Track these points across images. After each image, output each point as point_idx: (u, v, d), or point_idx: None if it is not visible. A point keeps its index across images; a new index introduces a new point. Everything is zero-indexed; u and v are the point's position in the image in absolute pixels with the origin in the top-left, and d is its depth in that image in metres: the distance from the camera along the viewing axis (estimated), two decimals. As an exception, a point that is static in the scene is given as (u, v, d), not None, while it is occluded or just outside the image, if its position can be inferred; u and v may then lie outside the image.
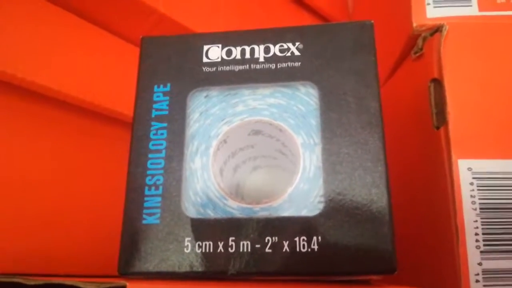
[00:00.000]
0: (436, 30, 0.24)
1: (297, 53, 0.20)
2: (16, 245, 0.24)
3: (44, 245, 0.26)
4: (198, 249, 0.17)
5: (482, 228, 0.21)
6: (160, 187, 0.18)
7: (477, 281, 0.21)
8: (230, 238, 0.17)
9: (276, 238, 0.17)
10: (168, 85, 0.20)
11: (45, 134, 0.26)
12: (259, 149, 0.23)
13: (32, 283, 0.17)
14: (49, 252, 0.26)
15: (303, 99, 0.20)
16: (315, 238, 0.17)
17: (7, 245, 0.24)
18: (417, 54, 0.26)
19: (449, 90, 0.23)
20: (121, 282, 0.17)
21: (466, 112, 0.23)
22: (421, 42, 0.25)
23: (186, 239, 0.18)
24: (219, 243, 0.17)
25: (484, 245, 0.21)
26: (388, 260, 0.17)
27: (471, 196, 0.22)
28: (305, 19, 0.40)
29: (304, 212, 0.18)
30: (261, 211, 0.18)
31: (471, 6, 0.25)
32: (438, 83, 0.24)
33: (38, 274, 0.22)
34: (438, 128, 0.23)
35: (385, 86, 0.31)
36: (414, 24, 0.25)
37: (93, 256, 0.26)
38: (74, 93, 0.25)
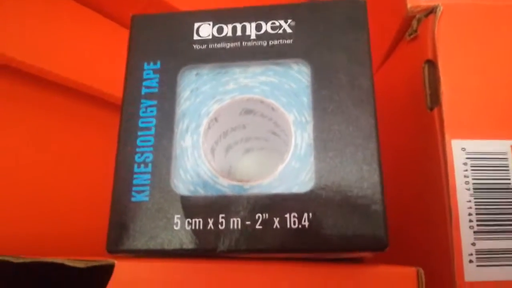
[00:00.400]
0: (431, 11, 0.24)
1: (289, 30, 0.20)
2: (8, 229, 0.24)
3: (37, 229, 0.26)
4: (188, 226, 0.17)
5: (476, 209, 0.21)
6: (150, 165, 0.18)
7: (470, 261, 0.21)
8: (220, 215, 0.17)
9: (267, 215, 0.17)
10: (158, 62, 0.20)
11: (35, 116, 0.26)
12: (251, 130, 0.23)
13: (20, 261, 0.17)
14: (40, 236, 0.26)
15: (295, 77, 0.19)
16: (305, 214, 0.17)
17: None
18: (412, 36, 0.26)
19: (443, 71, 0.23)
20: (110, 260, 0.17)
21: (459, 93, 0.23)
22: (416, 24, 0.25)
23: (176, 216, 0.17)
24: (209, 220, 0.17)
25: (478, 225, 0.21)
26: (379, 237, 0.17)
27: (465, 176, 0.22)
28: None
29: (295, 190, 0.18)
30: (251, 189, 0.18)
31: (465, -13, 0.25)
32: (432, 64, 0.24)
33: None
34: (432, 109, 0.23)
35: (381, 68, 0.31)
36: (409, 6, 0.25)
37: (85, 237, 0.26)
38: (64, 74, 0.25)
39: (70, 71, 0.26)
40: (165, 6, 0.28)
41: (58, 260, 0.17)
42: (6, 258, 0.17)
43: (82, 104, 0.28)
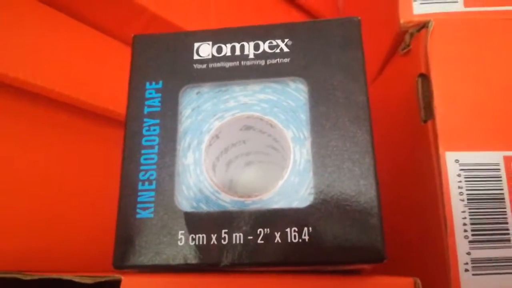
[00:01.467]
0: (423, 26, 0.25)
1: (286, 49, 0.20)
2: (13, 243, 0.25)
3: (41, 243, 0.26)
4: (192, 242, 0.18)
5: (470, 219, 0.22)
6: (154, 182, 0.19)
7: (466, 270, 0.21)
8: (223, 231, 0.18)
9: (268, 229, 0.18)
10: (160, 82, 0.20)
11: (40, 133, 0.26)
12: (251, 145, 0.23)
13: (28, 278, 0.18)
14: (47, 251, 0.26)
15: (293, 94, 0.20)
16: (306, 229, 0.18)
17: (4, 244, 0.24)
18: (405, 50, 0.26)
19: (435, 84, 0.23)
20: (116, 275, 0.17)
21: (452, 105, 0.23)
22: (409, 38, 0.26)
23: (180, 232, 0.18)
24: (212, 235, 0.18)
25: (472, 234, 0.22)
26: (377, 250, 0.17)
27: (459, 187, 0.22)
28: (295, 17, 0.41)
29: (295, 204, 0.18)
30: (253, 204, 0.19)
31: (457, 2, 0.25)
32: (425, 78, 0.24)
33: (33, 270, 0.22)
34: (425, 121, 0.24)
35: (375, 83, 0.32)
36: (401, 21, 0.25)
37: (90, 253, 0.26)
38: (67, 92, 0.26)
39: (70, 88, 0.26)
40: (166, 24, 0.29)
41: (66, 276, 0.17)
42: (14, 275, 0.18)
43: (86, 121, 0.29)
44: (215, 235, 0.18)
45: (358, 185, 0.18)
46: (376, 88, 0.31)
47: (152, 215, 0.18)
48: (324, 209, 0.18)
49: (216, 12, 0.32)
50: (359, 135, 0.19)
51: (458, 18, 0.25)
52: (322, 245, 0.17)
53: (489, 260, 0.21)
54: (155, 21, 0.29)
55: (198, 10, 0.31)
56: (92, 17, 0.28)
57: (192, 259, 0.18)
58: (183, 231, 0.18)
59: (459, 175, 0.22)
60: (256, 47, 0.20)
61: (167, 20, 0.29)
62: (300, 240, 0.17)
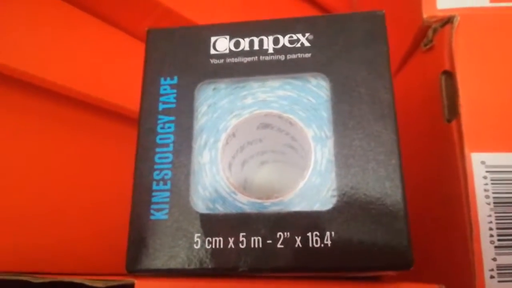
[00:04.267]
0: (447, 21, 0.24)
1: (307, 44, 0.19)
2: (22, 243, 0.24)
3: (51, 243, 0.25)
4: (208, 245, 0.17)
5: (496, 223, 0.21)
6: (168, 182, 0.18)
7: (491, 276, 0.20)
8: (241, 234, 0.17)
9: (288, 233, 0.17)
10: (175, 77, 0.19)
11: (49, 130, 0.26)
12: (267, 144, 0.23)
13: (39, 281, 0.17)
14: (56, 251, 0.25)
15: (314, 91, 0.19)
16: (328, 233, 0.17)
17: (14, 244, 0.24)
18: (428, 46, 0.25)
19: (461, 82, 0.23)
20: (129, 279, 0.17)
21: (478, 105, 0.22)
22: (432, 34, 0.25)
23: (196, 235, 0.17)
24: (229, 239, 0.17)
25: (499, 240, 0.21)
26: (404, 255, 0.16)
27: (485, 190, 0.21)
28: (307, 10, 0.40)
29: (317, 207, 0.18)
30: (272, 206, 0.18)
31: (482, -3, 0.24)
32: (449, 75, 0.23)
33: (44, 272, 0.22)
34: (449, 121, 0.23)
35: (395, 79, 0.31)
36: (424, 16, 0.24)
37: (102, 254, 0.26)
38: (78, 88, 0.25)
39: (82, 84, 0.26)
40: (178, 17, 0.28)
41: (77, 280, 0.17)
42: (25, 278, 0.17)
43: (97, 117, 0.28)
44: (233, 238, 0.17)
45: (384, 187, 0.17)
46: (396, 86, 0.30)
47: (167, 217, 0.17)
48: (347, 212, 0.17)
49: (230, 7, 0.32)
50: (384, 135, 0.18)
51: (484, 14, 0.24)
52: (345, 250, 0.16)
53: (516, 266, 0.20)
54: (168, 15, 0.28)
55: (212, 5, 0.31)
56: (103, 11, 0.28)
57: (209, 264, 0.17)
58: (199, 234, 0.17)
59: (485, 177, 0.21)
60: (276, 41, 0.20)
61: (180, 15, 0.28)
62: (322, 245, 0.17)
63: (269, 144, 0.23)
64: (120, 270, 0.18)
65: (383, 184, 0.17)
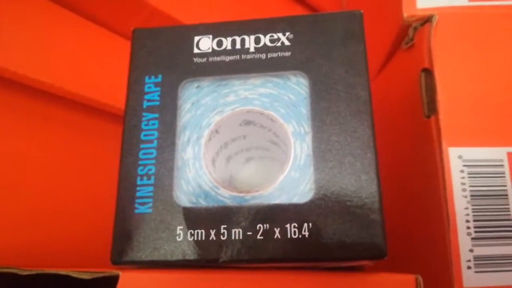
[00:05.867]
0: (426, 20, 0.25)
1: (287, 43, 0.20)
2: (10, 239, 0.25)
3: (39, 239, 0.26)
4: (190, 237, 0.18)
5: (473, 215, 0.21)
6: (152, 177, 0.19)
7: (468, 267, 0.21)
8: (222, 226, 0.18)
9: (268, 225, 0.17)
10: (160, 76, 0.20)
11: (39, 128, 0.26)
12: (251, 140, 0.23)
13: (26, 273, 0.18)
14: (45, 246, 0.26)
15: (294, 89, 0.20)
16: (306, 224, 0.17)
17: (1, 240, 0.24)
18: (408, 45, 0.26)
19: (439, 79, 0.23)
20: (114, 271, 0.17)
21: (455, 101, 0.23)
22: (412, 33, 0.26)
23: (178, 227, 0.18)
24: (211, 231, 0.18)
25: (475, 231, 0.21)
26: (378, 245, 0.17)
27: (462, 183, 0.22)
28: (297, 11, 0.40)
29: (295, 200, 0.18)
30: (252, 199, 0.18)
31: (461, -4, 0.25)
32: (428, 73, 0.24)
33: (32, 266, 0.22)
34: (429, 117, 0.24)
35: (377, 77, 0.32)
36: (405, 15, 0.25)
37: (89, 249, 0.26)
38: (66, 86, 0.25)
39: (70, 83, 0.26)
40: (166, 17, 0.29)
41: (63, 272, 0.17)
42: (12, 270, 0.18)
43: (84, 115, 0.28)
44: (214, 230, 0.18)
45: (359, 180, 0.18)
46: (379, 83, 0.31)
47: (150, 210, 0.18)
48: (324, 205, 0.17)
49: (217, 6, 0.32)
50: (361, 130, 0.18)
51: (463, 12, 0.25)
52: (322, 241, 0.17)
53: (492, 257, 0.21)
54: (155, 15, 0.28)
55: (199, 4, 0.31)
56: (91, 11, 0.28)
57: (191, 255, 0.17)
58: (181, 227, 0.18)
59: (462, 171, 0.22)
60: (257, 40, 0.20)
61: (167, 14, 0.29)
62: (300, 236, 0.17)
63: (253, 141, 0.23)
64: (107, 262, 0.18)
65: (359, 177, 0.18)
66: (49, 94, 0.26)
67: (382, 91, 0.30)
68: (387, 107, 0.29)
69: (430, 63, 0.24)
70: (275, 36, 0.20)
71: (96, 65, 0.28)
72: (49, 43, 0.26)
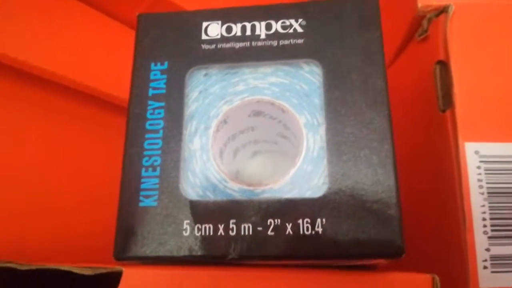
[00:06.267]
0: (442, 10, 0.24)
1: (300, 30, 0.19)
2: (11, 235, 0.24)
3: (41, 234, 0.25)
4: (198, 232, 0.17)
5: (490, 213, 0.21)
6: (158, 168, 0.18)
7: (485, 267, 0.20)
8: (231, 221, 0.17)
9: (279, 220, 0.17)
10: (166, 63, 0.19)
11: (40, 119, 0.26)
12: (259, 133, 0.22)
13: (26, 268, 0.17)
14: (46, 242, 0.25)
15: (306, 78, 0.19)
16: (319, 220, 0.16)
17: (1, 235, 0.23)
18: (422, 36, 0.25)
19: (455, 72, 0.22)
20: (117, 267, 0.16)
21: (472, 94, 0.22)
22: (426, 24, 0.25)
23: (185, 222, 0.17)
24: (219, 226, 0.17)
25: (492, 230, 0.21)
26: (396, 243, 0.16)
27: (478, 180, 0.21)
28: None
29: (308, 194, 0.17)
30: (263, 193, 0.18)
31: (477, -14, 0.24)
32: (444, 65, 0.23)
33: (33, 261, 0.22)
34: (444, 111, 0.23)
35: (389, 69, 0.31)
36: (419, 5, 0.24)
37: (92, 245, 0.25)
38: (69, 75, 0.25)
39: (73, 72, 0.25)
40: (170, 4, 0.28)
41: (65, 267, 0.16)
42: (12, 265, 0.17)
43: (86, 105, 0.28)
44: (223, 225, 0.17)
45: (376, 174, 0.17)
46: (391, 76, 0.30)
47: (155, 203, 0.17)
48: (339, 200, 0.17)
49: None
50: (377, 121, 0.17)
51: (480, 3, 0.24)
52: (336, 238, 0.16)
53: (509, 257, 0.20)
54: (160, 3, 0.28)
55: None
56: (95, -1, 0.27)
57: (198, 251, 0.17)
58: (188, 221, 0.17)
59: (478, 167, 0.21)
60: (268, 27, 0.19)
61: (172, 2, 0.28)
62: (313, 232, 0.16)
63: (261, 133, 0.22)
64: (109, 258, 0.17)
65: (375, 171, 0.17)
66: (51, 83, 0.25)
67: (394, 84, 0.29)
68: (399, 101, 0.28)
69: (446, 55, 0.23)
70: (287, 23, 0.19)
71: (99, 54, 0.27)
72: (51, 31, 0.25)
